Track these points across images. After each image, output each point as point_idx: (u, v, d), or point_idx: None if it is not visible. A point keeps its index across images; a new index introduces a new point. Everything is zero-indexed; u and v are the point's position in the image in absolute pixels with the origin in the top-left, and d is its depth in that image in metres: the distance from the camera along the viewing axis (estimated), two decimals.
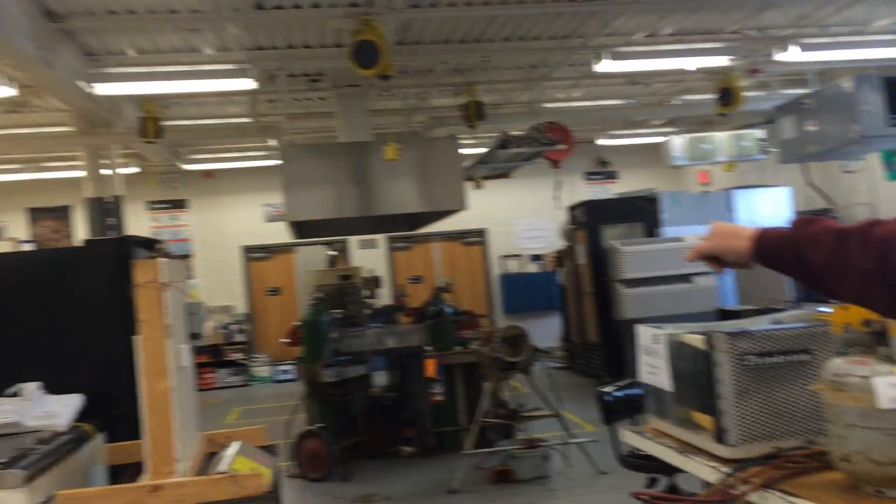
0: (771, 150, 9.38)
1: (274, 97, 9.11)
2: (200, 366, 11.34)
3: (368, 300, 7.83)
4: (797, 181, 8.78)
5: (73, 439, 3.12)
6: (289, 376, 12.40)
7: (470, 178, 9.26)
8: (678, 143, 9.79)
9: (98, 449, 3.32)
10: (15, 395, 3.25)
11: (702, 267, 1.77)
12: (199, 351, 9.93)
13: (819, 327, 2.21)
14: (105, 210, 9.53)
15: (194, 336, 3.96)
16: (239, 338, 13.16)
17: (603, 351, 9.59)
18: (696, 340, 2.31)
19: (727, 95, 8.41)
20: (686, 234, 8.09)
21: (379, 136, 9.06)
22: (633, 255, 8.33)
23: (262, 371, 12.81)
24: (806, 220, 1.50)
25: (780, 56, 7.74)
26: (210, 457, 3.05)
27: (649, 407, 2.67)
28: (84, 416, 3.35)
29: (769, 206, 9.26)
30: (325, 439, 6.37)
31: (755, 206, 9.35)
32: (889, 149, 7.70)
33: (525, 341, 5.95)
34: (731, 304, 8.80)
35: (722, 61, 7.94)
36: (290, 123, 10.41)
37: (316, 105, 9.99)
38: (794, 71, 9.27)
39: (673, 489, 3.03)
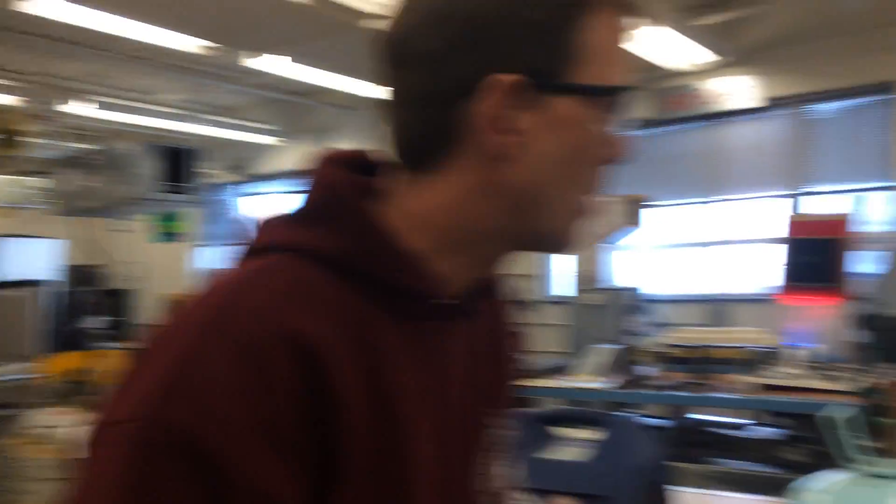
0: (53, 200, 9.04)
1: None
2: None
3: None
4: (77, 234, 8.62)
5: None
6: None
7: None
8: None
9: None
10: None
11: None
12: None
13: (30, 379, 2.08)
14: None
15: None
16: None
17: None
18: None
19: (9, 138, 7.84)
20: None
21: None
22: None
23: None
24: None
25: (68, 108, 7.60)
26: None
27: None
28: None
29: (42, 258, 8.87)
30: None
31: (27, 257, 8.84)
32: (161, 212, 8.21)
33: None
34: None
35: (8, 100, 7.41)
36: None
37: None
38: (82, 125, 9.20)
39: None
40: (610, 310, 6.40)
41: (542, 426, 1.39)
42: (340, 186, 0.66)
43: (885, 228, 6.90)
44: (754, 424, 5.00)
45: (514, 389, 0.80)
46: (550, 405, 5.58)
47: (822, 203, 7.06)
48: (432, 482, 0.64)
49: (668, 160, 7.96)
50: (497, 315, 0.79)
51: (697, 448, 4.64)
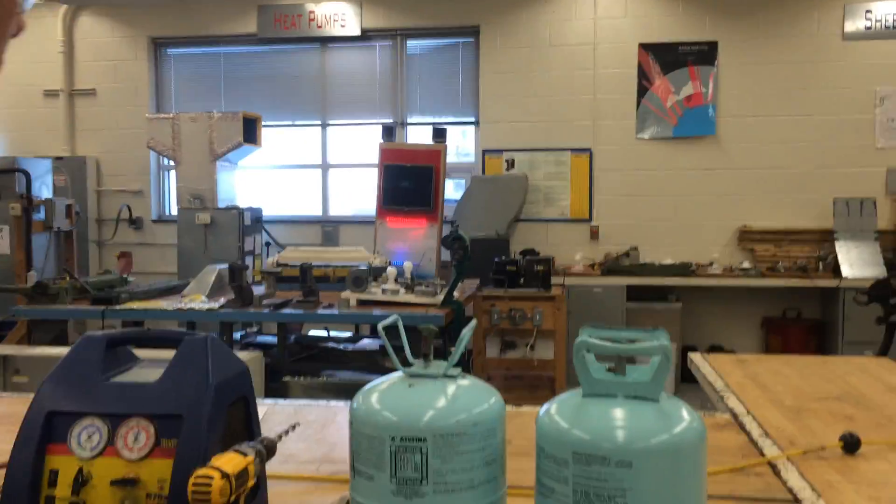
0: None
1: None
2: None
3: None
4: None
5: None
6: None
7: None
8: None
9: None
10: None
11: None
12: None
13: None
14: None
15: None
16: None
17: None
18: None
19: None
20: None
21: None
22: None
23: None
24: None
25: None
26: None
27: None
28: None
29: None
30: None
31: None
32: None
33: None
34: None
35: None
36: None
37: None
38: None
39: None
40: (223, 229, 6.28)
41: (115, 348, 1.31)
42: None
43: (467, 160, 7.77)
44: (362, 337, 5.37)
45: None
46: (162, 327, 5.35)
47: (418, 132, 7.67)
48: None
49: (280, 80, 7.95)
50: None
51: (310, 362, 4.84)
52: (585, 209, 7.52)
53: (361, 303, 4.30)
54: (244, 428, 1.29)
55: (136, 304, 4.52)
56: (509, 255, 6.58)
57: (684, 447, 0.93)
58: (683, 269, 6.96)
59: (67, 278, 4.88)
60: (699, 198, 7.39)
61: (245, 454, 1.05)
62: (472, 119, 7.67)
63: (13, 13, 0.70)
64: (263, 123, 6.99)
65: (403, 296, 4.35)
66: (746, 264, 7.12)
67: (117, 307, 4.45)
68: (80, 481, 1.16)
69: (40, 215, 6.61)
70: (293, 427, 1.29)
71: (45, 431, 1.19)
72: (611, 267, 7.14)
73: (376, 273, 4.63)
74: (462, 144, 7.80)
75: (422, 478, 0.98)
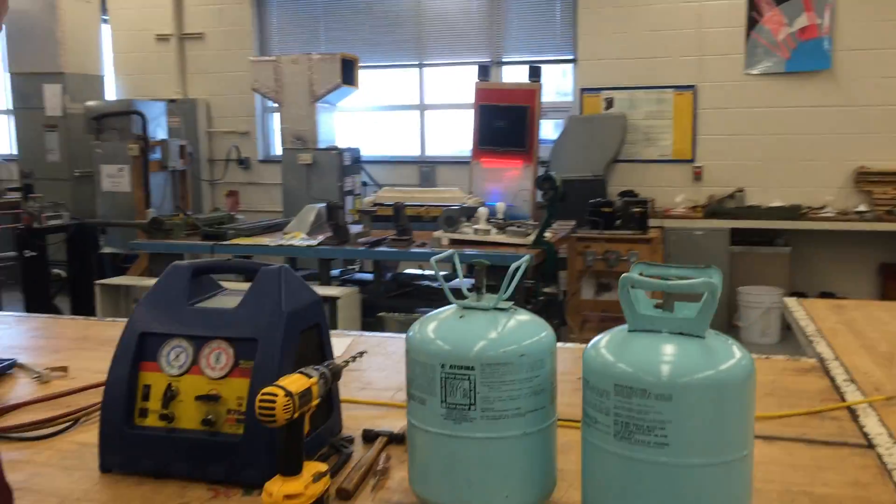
0: None
1: None
2: None
3: None
4: None
5: None
6: None
7: None
8: None
9: None
10: None
11: None
12: None
13: None
14: None
15: None
16: None
17: None
18: None
19: None
20: None
21: None
22: None
23: None
24: None
25: None
26: None
27: None
28: None
29: None
30: None
31: None
32: None
33: None
34: None
35: None
36: None
37: None
38: None
39: None
40: (324, 169, 6.44)
41: (200, 277, 1.41)
42: None
43: (565, 99, 7.61)
44: (455, 276, 5.46)
45: None
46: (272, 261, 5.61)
47: (514, 71, 7.57)
48: None
49: (378, 21, 7.97)
50: None
51: (404, 299, 4.98)
52: (688, 149, 7.28)
53: (453, 242, 4.37)
54: (317, 353, 1.37)
55: (241, 240, 4.75)
56: (606, 196, 6.48)
57: (727, 383, 0.93)
58: (793, 212, 6.66)
59: (181, 215, 5.17)
60: (812, 137, 7.01)
61: (309, 376, 1.13)
62: (570, 57, 7.49)
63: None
64: (361, 65, 7.06)
65: (494, 235, 4.39)
66: (863, 207, 6.74)
67: (225, 242, 4.69)
68: (169, 396, 1.28)
69: (156, 155, 6.97)
70: (360, 354, 1.36)
71: (138, 350, 1.31)
72: (714, 209, 6.92)
73: (469, 213, 4.67)
74: (561, 84, 7.66)
75: (470, 404, 1.02)
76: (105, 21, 8.45)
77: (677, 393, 0.91)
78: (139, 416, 1.29)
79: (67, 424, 1.50)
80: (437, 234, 4.42)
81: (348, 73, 6.73)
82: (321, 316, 1.42)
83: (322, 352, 1.40)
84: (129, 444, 1.28)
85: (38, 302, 6.01)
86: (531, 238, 4.28)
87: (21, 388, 1.76)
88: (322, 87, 6.64)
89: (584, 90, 7.40)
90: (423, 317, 1.14)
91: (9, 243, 6.38)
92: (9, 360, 1.87)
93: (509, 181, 5.82)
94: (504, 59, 7.67)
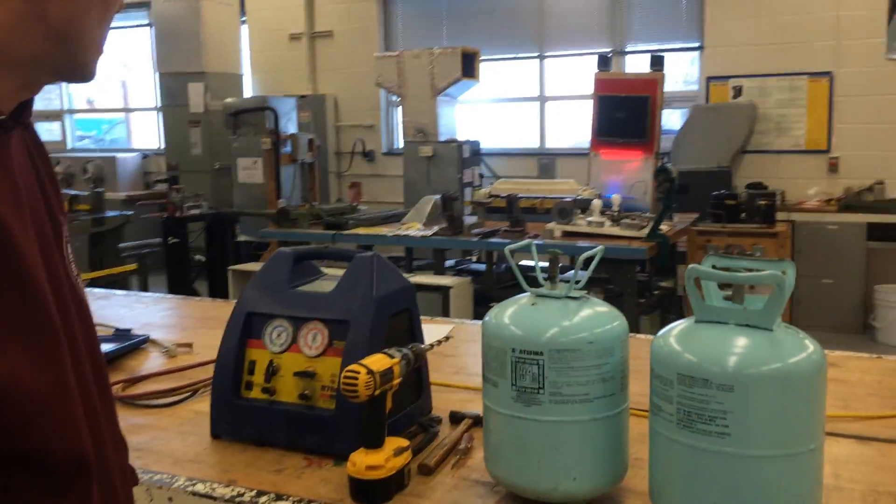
0: None
1: None
2: None
3: None
4: None
5: None
6: None
7: None
8: None
9: None
10: None
11: None
12: None
13: None
14: None
15: None
16: None
17: None
18: None
19: None
20: None
21: None
22: None
23: None
24: None
25: None
26: None
27: None
28: None
29: None
30: None
31: None
32: None
33: None
34: None
35: None
36: None
37: None
38: None
39: None
40: (444, 161, 6.55)
41: (302, 263, 1.51)
42: None
43: (691, 88, 7.37)
44: (568, 268, 5.44)
45: (60, 196, 0.88)
46: (389, 251, 5.79)
47: (638, 61, 7.40)
48: (44, 277, 0.75)
49: (499, 14, 8.00)
50: (32, 136, 0.86)
51: (516, 289, 5.00)
52: (823, 139, 6.89)
53: (566, 234, 4.36)
54: (406, 336, 1.45)
55: (360, 230, 4.93)
56: (731, 188, 6.25)
57: (793, 376, 0.92)
58: None
59: (306, 206, 5.42)
60: None
61: (392, 356, 1.20)
62: (696, 44, 7.25)
63: None
64: (482, 57, 7.12)
65: (608, 228, 4.35)
66: None
67: (345, 232, 4.89)
68: (271, 371, 1.39)
69: (287, 149, 7.32)
70: (446, 338, 1.42)
71: (245, 329, 1.43)
72: (850, 202, 6.53)
73: (584, 205, 4.64)
74: (689, 71, 7.43)
75: (539, 387, 1.06)
76: (243, 22, 8.94)
77: (739, 384, 0.91)
78: (245, 389, 1.41)
79: (187, 395, 1.65)
80: (550, 225, 4.43)
81: (469, 67, 6.81)
82: (411, 302, 1.49)
83: (412, 335, 1.47)
84: (236, 413, 1.41)
85: (179, 285, 6.47)
86: (645, 231, 4.21)
87: (151, 361, 1.94)
88: (443, 81, 6.75)
89: (710, 78, 7.15)
90: (499, 304, 1.19)
91: (156, 230, 6.90)
92: (143, 336, 2.06)
93: (628, 173, 5.72)
94: (627, 49, 7.53)
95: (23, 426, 0.70)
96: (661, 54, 5.91)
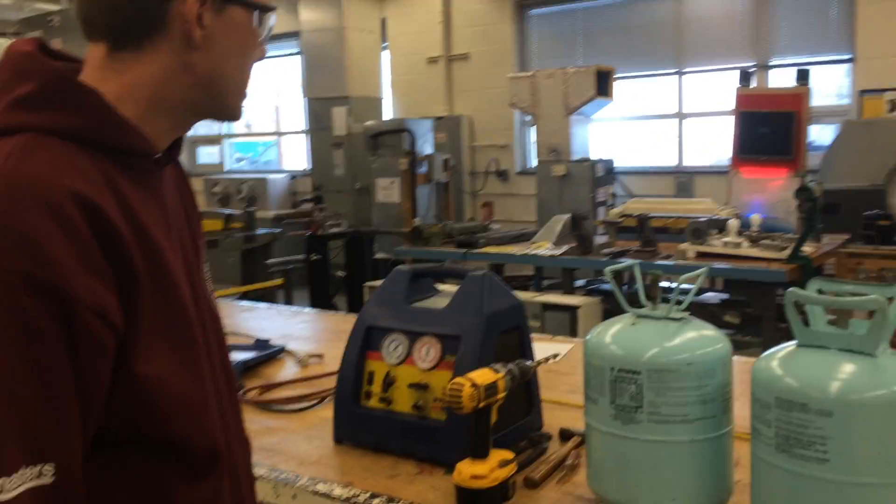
0: None
1: None
2: None
3: None
4: None
5: None
6: None
7: None
8: None
9: None
10: None
11: None
12: None
13: None
14: None
15: None
16: None
17: None
18: None
19: None
20: None
21: None
22: None
23: None
24: None
25: None
26: None
27: None
28: None
29: None
30: None
31: None
32: None
33: None
34: None
35: None
36: None
37: None
38: None
39: None
40: (577, 180, 6.53)
41: (419, 280, 1.59)
42: (63, 72, 0.81)
43: (840, 102, 6.96)
44: (705, 290, 5.28)
45: (199, 220, 1.01)
46: (519, 270, 5.85)
47: (782, 75, 7.07)
48: (187, 291, 0.88)
49: (635, 31, 7.89)
50: (177, 166, 0.99)
51: None
52: None
53: (700, 255, 4.24)
54: (516, 352, 1.49)
55: (491, 249, 5.01)
56: (886, 207, 5.84)
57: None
58: None
59: (439, 225, 5.57)
60: None
61: (497, 371, 1.25)
62: (847, 56, 6.85)
63: (255, 45, 0.92)
64: (617, 75, 7.06)
65: (746, 249, 4.19)
66: None
67: (475, 251, 4.98)
68: (388, 382, 1.48)
69: (423, 169, 7.54)
70: (554, 357, 1.46)
71: (365, 341, 1.53)
72: None
73: (720, 225, 4.50)
74: (842, 84, 7.03)
75: (637, 406, 1.08)
76: (384, 48, 9.31)
77: (838, 409, 0.90)
78: (364, 398, 1.50)
79: (315, 402, 1.77)
80: (683, 246, 4.32)
81: (603, 85, 6.77)
82: (522, 319, 1.54)
83: (522, 352, 1.52)
84: (356, 420, 1.50)
85: (320, 299, 6.80)
86: (786, 252, 4.03)
87: (286, 370, 2.08)
88: (576, 100, 6.75)
89: (863, 92, 6.73)
90: (603, 323, 1.21)
91: (300, 247, 7.29)
92: (279, 346, 2.22)
93: (771, 192, 5.49)
94: (771, 63, 7.22)
95: (168, 420, 0.82)
96: (807, 68, 5.65)
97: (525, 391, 1.51)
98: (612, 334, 1.14)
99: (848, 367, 0.93)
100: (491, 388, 1.22)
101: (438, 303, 1.52)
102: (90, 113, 0.80)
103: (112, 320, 0.75)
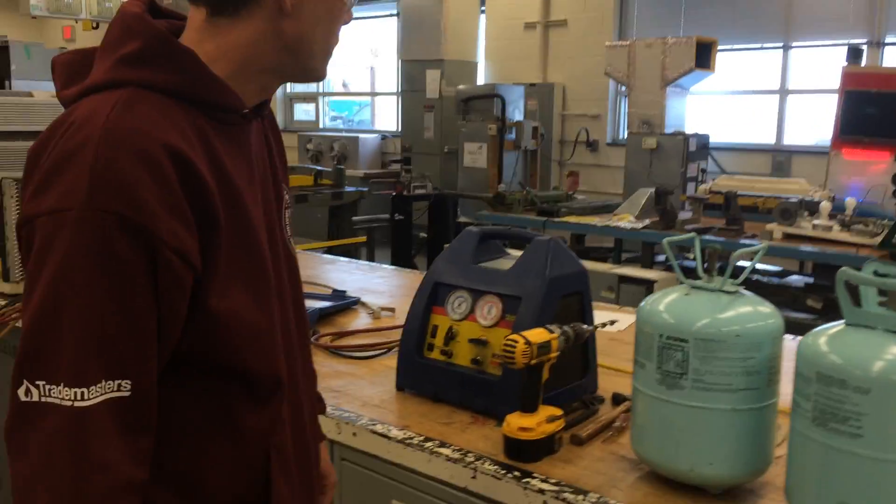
0: None
1: None
2: None
3: None
4: None
5: None
6: None
7: None
8: None
9: None
10: None
11: None
12: None
13: None
14: None
15: None
16: None
17: None
18: None
19: None
20: (37, 88, 7.55)
21: None
22: None
23: None
24: None
25: None
26: None
27: None
28: None
29: None
30: None
31: None
32: None
33: None
34: None
35: None
36: None
37: None
38: None
39: None
40: (668, 154, 6.41)
41: (486, 241, 1.65)
42: (163, 33, 0.89)
43: None
44: (791, 273, 5.14)
45: (286, 172, 1.09)
46: (600, 241, 5.82)
47: (893, 51, 6.69)
48: (264, 236, 0.96)
49: (739, 1, 7.59)
50: (268, 123, 1.07)
51: None
52: None
53: (787, 236, 4.13)
54: (576, 316, 1.54)
55: (571, 218, 5.01)
56: None
57: None
58: None
59: (522, 191, 5.59)
60: None
61: (551, 331, 1.31)
62: None
63: (343, 10, 0.97)
64: (720, 48, 6.84)
65: (836, 233, 4.05)
66: None
67: (556, 219, 4.99)
68: (450, 336, 1.55)
69: (511, 135, 7.54)
70: (611, 322, 1.50)
71: (431, 296, 1.60)
72: None
73: (811, 207, 4.36)
74: None
75: (682, 373, 1.12)
76: (482, 11, 9.27)
77: (876, 387, 0.92)
78: (427, 350, 1.58)
79: (382, 351, 1.87)
80: (770, 226, 4.21)
81: (704, 57, 6.57)
82: (584, 285, 1.58)
83: (582, 317, 1.56)
84: (418, 370, 1.59)
85: (401, 258, 6.94)
86: (878, 239, 3.87)
87: (359, 320, 2.19)
88: (674, 71, 6.59)
89: None
90: (658, 292, 1.25)
91: (386, 207, 7.45)
92: (354, 297, 2.33)
93: (872, 175, 5.25)
94: (886, 40, 6.84)
95: (237, 349, 0.92)
96: None
97: (582, 354, 1.55)
98: (665, 303, 1.18)
99: (890, 348, 0.94)
100: (544, 347, 1.28)
101: (504, 264, 1.57)
102: (186, 71, 0.88)
103: (191, 261, 0.84)
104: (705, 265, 1.25)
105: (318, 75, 1.00)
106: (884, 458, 0.92)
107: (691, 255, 5.53)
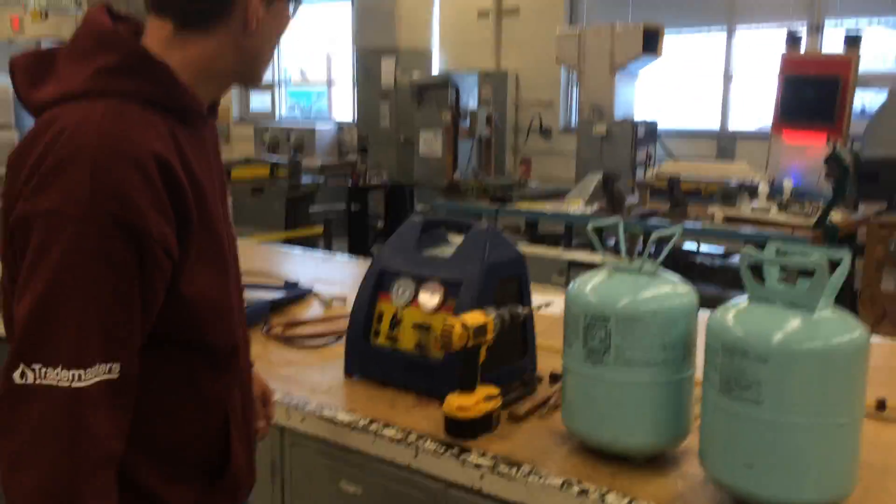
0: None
1: None
2: None
3: None
4: None
5: None
6: None
7: None
8: None
9: None
10: None
11: None
12: None
13: None
14: None
15: None
16: None
17: None
18: None
19: None
20: None
21: None
22: None
23: None
24: None
25: None
26: None
27: None
28: None
29: None
30: None
31: None
32: None
33: None
34: None
35: None
36: None
37: None
38: None
39: None
40: (618, 140, 6.53)
41: (430, 230, 1.71)
42: (140, 49, 0.99)
43: (889, 68, 6.76)
44: (733, 254, 5.30)
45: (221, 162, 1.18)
46: (553, 227, 5.92)
47: (838, 37, 6.88)
48: (222, 224, 1.08)
49: None
50: (213, 124, 1.17)
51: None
52: None
53: (728, 219, 4.27)
54: (514, 300, 1.61)
55: (524, 205, 5.10)
56: None
57: (828, 353, 1.00)
58: None
59: (476, 179, 5.67)
60: None
61: (488, 314, 1.37)
62: None
63: (287, 25, 1.10)
64: (667, 31, 6.96)
65: (773, 215, 4.20)
66: None
67: (508, 207, 5.07)
68: (395, 322, 1.61)
69: (466, 123, 7.60)
70: (546, 304, 1.57)
71: (377, 284, 1.66)
72: None
73: (751, 190, 4.51)
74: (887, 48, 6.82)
75: (605, 349, 1.20)
76: None
77: (773, 357, 1.00)
78: (374, 336, 1.64)
79: (332, 339, 1.92)
80: (712, 209, 4.35)
81: (651, 42, 6.70)
82: (522, 270, 1.65)
83: (520, 300, 1.63)
84: (365, 356, 1.64)
85: (358, 248, 6.98)
86: (813, 220, 4.03)
87: (311, 310, 2.24)
88: (622, 57, 6.70)
89: None
90: (584, 274, 1.32)
91: (343, 197, 7.47)
92: (307, 288, 2.38)
93: (811, 158, 5.43)
94: (825, 25, 7.04)
95: (203, 325, 1.05)
96: (858, 34, 5.52)
97: (521, 336, 1.63)
98: (591, 285, 1.25)
99: (786, 320, 1.02)
100: (480, 329, 1.34)
101: (445, 251, 1.64)
102: (162, 82, 0.99)
103: (171, 252, 0.96)
104: (639, 249, 1.32)
105: (260, 81, 1.14)
106: (781, 421, 1.01)
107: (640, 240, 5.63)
